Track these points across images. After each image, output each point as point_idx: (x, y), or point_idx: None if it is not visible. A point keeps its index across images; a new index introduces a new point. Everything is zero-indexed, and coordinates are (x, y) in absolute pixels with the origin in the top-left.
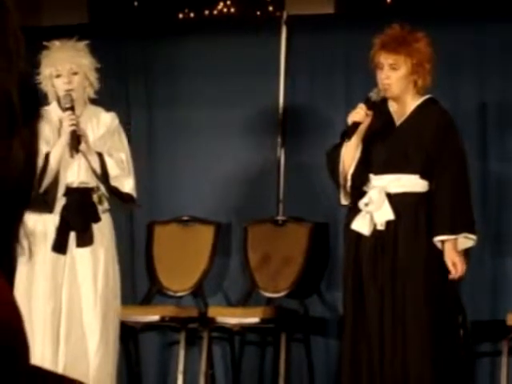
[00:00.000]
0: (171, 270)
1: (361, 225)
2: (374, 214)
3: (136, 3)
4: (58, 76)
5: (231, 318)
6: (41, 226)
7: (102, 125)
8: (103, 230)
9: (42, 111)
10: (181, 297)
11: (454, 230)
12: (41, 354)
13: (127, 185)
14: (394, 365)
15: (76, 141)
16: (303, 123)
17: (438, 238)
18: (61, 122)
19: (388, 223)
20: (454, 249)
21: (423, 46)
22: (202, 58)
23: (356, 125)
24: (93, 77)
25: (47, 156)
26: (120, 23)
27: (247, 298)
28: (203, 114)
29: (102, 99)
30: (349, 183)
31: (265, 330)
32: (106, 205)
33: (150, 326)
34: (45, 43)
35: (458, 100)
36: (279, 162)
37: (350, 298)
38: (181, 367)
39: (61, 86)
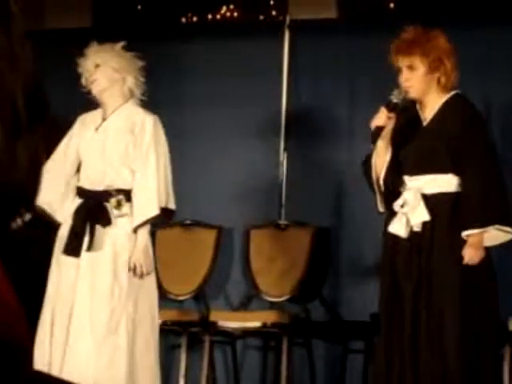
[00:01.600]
0: (173, 274)
1: (397, 227)
2: (409, 215)
3: (139, 7)
4: (90, 75)
5: (233, 322)
6: (60, 229)
7: (129, 125)
8: (117, 234)
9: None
10: (182, 301)
11: (482, 224)
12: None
13: (157, 203)
14: (431, 364)
15: None
16: (306, 127)
17: (465, 233)
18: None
19: (424, 224)
20: (474, 245)
21: (440, 43)
22: (205, 62)
23: (379, 129)
24: (124, 70)
25: None
26: (123, 27)
27: (249, 302)
28: (206, 118)
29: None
30: (382, 188)
31: (266, 334)
32: (124, 210)
33: None
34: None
35: None
36: (282, 166)
37: (384, 301)
38: (182, 371)
39: (87, 83)
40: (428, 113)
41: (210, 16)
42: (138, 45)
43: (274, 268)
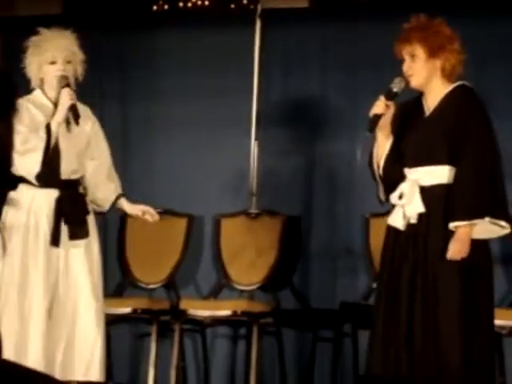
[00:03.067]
0: (143, 262)
1: (395, 219)
2: (405, 207)
3: None
4: (52, 63)
5: (203, 310)
6: (32, 219)
7: (84, 117)
8: (92, 223)
9: (18, 105)
10: (153, 289)
11: (471, 216)
12: (34, 350)
13: (110, 189)
14: (425, 352)
15: (76, 114)
16: (277, 116)
17: (453, 225)
18: (55, 102)
19: (420, 216)
20: (461, 240)
21: (440, 29)
22: (176, 51)
23: (377, 117)
24: (80, 69)
25: (48, 126)
26: (94, 14)
27: (219, 290)
28: (177, 107)
29: (76, 91)
30: (382, 177)
31: (236, 322)
32: (90, 196)
33: (121, 318)
34: (38, 29)
35: None
36: (253, 155)
37: (385, 292)
38: (152, 359)
39: (53, 72)
40: (431, 103)
41: (181, 4)
42: (108, 32)
43: (245, 257)
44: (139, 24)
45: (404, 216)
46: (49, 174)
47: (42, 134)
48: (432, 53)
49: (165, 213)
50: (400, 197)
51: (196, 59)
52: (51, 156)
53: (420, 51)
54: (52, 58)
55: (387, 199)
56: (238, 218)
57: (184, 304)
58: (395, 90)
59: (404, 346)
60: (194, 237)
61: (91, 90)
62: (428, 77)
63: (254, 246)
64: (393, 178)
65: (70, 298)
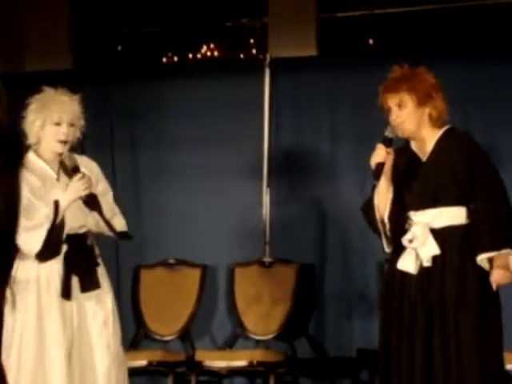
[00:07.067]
0: (158, 314)
1: (407, 263)
2: (418, 250)
3: (120, 47)
4: (57, 124)
5: (219, 361)
6: (43, 273)
7: (87, 169)
8: (103, 274)
9: (25, 160)
10: (168, 341)
11: (496, 246)
12: None
13: (120, 223)
14: None
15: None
16: (289, 164)
17: (480, 257)
18: (52, 163)
19: (434, 258)
20: (502, 266)
21: (426, 78)
22: (187, 102)
23: (380, 165)
24: (79, 133)
25: (56, 204)
26: (104, 68)
27: (235, 340)
28: (188, 157)
29: (87, 143)
30: (387, 226)
31: (253, 373)
32: (97, 250)
33: (137, 371)
34: (45, 87)
35: None
36: (265, 204)
37: (396, 338)
38: None
39: (57, 134)
40: (423, 149)
41: (190, 55)
42: (118, 85)
43: (260, 306)
44: (149, 76)
45: (416, 259)
46: (50, 253)
47: (48, 211)
48: (420, 101)
49: (178, 264)
50: (411, 240)
51: (207, 108)
52: (55, 234)
53: (408, 100)
54: (58, 120)
55: (395, 245)
56: (251, 267)
57: (199, 355)
58: (390, 136)
59: None
60: (208, 287)
61: (102, 140)
62: (418, 124)
63: (269, 295)
64: (399, 225)
65: (85, 355)
